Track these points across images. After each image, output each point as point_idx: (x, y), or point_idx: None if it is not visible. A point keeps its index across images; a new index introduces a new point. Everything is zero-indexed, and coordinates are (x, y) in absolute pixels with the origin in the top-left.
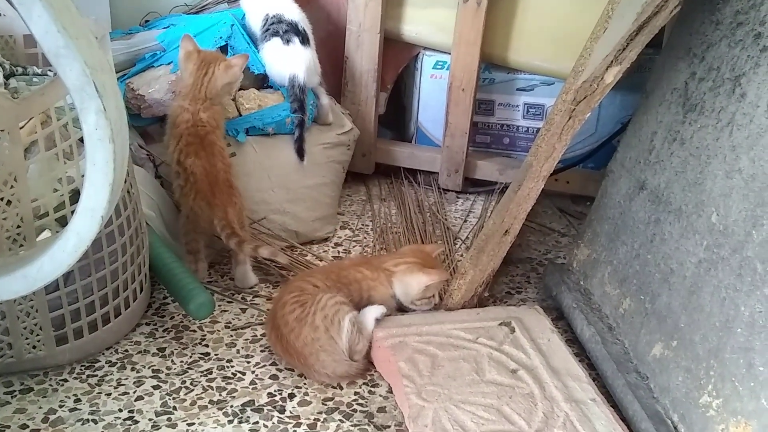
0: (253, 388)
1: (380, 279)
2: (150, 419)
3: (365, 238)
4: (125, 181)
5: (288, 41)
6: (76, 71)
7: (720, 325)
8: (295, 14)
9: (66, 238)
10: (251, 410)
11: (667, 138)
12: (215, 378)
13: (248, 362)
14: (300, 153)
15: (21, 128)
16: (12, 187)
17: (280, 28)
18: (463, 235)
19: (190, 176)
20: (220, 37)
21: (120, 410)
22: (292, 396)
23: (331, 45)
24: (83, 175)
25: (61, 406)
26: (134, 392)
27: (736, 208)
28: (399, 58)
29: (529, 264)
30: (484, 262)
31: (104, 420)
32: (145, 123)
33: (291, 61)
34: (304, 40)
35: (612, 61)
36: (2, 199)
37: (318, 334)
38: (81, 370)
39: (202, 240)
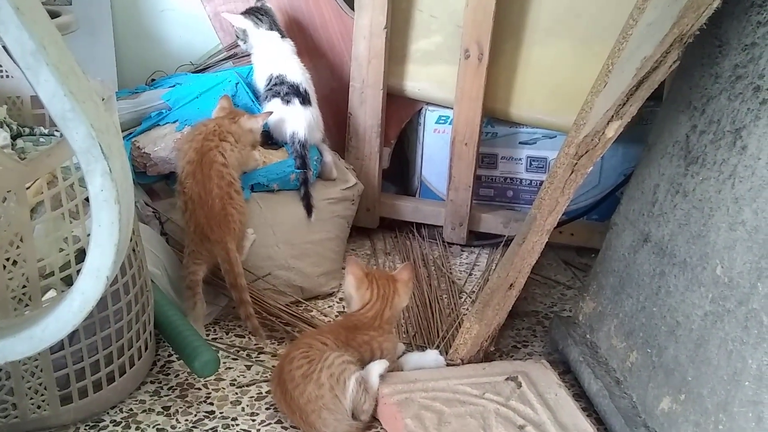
0: None
1: (386, 331)
2: None
3: None
4: (130, 240)
5: (288, 102)
6: (83, 134)
7: (728, 378)
8: (298, 75)
9: (71, 298)
10: None
11: (670, 190)
12: None
13: (253, 420)
14: (308, 209)
15: (27, 188)
16: (18, 247)
17: (281, 90)
18: (468, 289)
19: (188, 201)
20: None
21: None
22: None
23: (334, 101)
24: (89, 235)
25: None
26: None
27: (740, 260)
28: (402, 114)
29: (535, 317)
30: (490, 316)
31: None
32: (151, 180)
33: (291, 120)
34: (305, 101)
35: (612, 116)
36: (8, 259)
37: (322, 392)
38: (85, 429)
39: (202, 272)
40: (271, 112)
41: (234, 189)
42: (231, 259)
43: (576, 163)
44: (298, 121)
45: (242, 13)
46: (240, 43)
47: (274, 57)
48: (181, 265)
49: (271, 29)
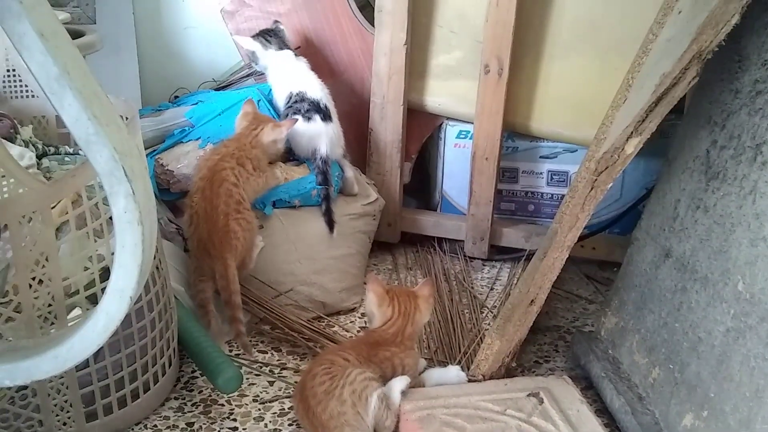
0: None
1: (407, 347)
2: None
3: None
4: (154, 258)
5: (309, 119)
6: (106, 157)
7: (750, 395)
8: (318, 92)
9: (96, 318)
10: None
11: (691, 206)
12: None
13: None
14: (330, 225)
15: (53, 208)
16: (43, 266)
17: (302, 107)
18: (489, 304)
19: (194, 215)
20: None
21: None
22: None
23: (355, 117)
24: (113, 253)
25: None
26: None
27: (762, 276)
28: (423, 129)
29: (557, 332)
30: (511, 332)
31: None
32: (175, 197)
33: (313, 136)
34: (326, 117)
35: (632, 132)
36: (34, 278)
37: (345, 408)
38: None
39: (209, 289)
40: (296, 119)
41: (243, 206)
42: (229, 275)
43: (596, 180)
44: (319, 137)
45: (252, 36)
46: (252, 64)
47: (292, 75)
48: (189, 284)
49: (281, 49)
